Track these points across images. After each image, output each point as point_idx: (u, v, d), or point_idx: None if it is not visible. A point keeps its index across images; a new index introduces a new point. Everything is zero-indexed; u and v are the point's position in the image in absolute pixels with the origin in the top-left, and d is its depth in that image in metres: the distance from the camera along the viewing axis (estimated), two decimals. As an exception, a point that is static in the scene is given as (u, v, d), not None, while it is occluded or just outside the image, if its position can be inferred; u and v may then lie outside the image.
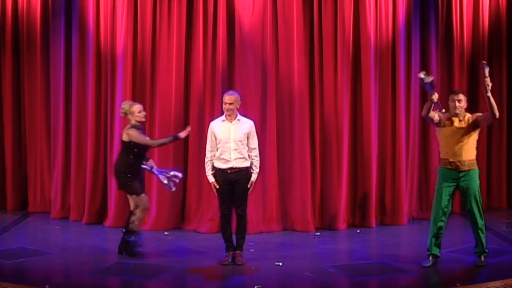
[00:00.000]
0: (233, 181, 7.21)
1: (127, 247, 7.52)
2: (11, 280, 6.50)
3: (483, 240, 7.08)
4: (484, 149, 10.05)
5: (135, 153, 7.49)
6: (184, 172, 9.07)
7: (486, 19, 9.87)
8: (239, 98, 7.34)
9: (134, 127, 7.53)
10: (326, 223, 9.09)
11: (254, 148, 7.32)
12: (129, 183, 7.48)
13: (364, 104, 9.14)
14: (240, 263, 7.23)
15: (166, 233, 8.76)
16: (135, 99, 9.07)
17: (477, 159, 9.85)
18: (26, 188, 9.91)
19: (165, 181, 7.65)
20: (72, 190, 9.39)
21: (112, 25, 9.16)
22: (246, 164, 7.26)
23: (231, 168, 7.19)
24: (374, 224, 9.12)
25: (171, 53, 9.01)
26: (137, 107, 7.61)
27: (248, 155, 7.26)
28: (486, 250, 7.10)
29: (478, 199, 7.03)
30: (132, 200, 7.59)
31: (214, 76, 9.02)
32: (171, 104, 8.98)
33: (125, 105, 7.68)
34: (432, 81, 6.74)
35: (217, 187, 7.25)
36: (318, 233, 8.83)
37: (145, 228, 8.92)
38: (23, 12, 9.68)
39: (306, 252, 7.91)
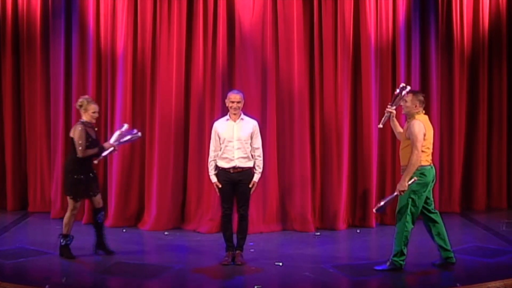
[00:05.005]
0: (235, 181, 7.20)
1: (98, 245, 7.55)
2: (11, 280, 6.49)
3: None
4: (484, 149, 10.06)
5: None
6: (184, 172, 9.12)
7: (486, 19, 9.88)
8: (243, 97, 7.35)
9: (83, 123, 7.30)
10: (326, 223, 9.08)
11: (258, 148, 7.31)
12: (72, 183, 7.29)
13: (364, 104, 9.13)
14: (240, 263, 7.22)
15: (166, 233, 8.75)
16: (135, 99, 9.12)
17: (477, 159, 10.03)
18: (26, 188, 9.91)
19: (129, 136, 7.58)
20: (72, 190, 9.38)
21: (112, 26, 9.15)
22: (250, 164, 7.25)
23: (234, 168, 7.19)
24: (374, 224, 9.12)
25: (171, 53, 9.01)
26: (93, 107, 7.37)
27: (251, 155, 7.27)
28: (392, 257, 6.95)
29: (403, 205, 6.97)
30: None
31: (214, 76, 9.02)
32: (171, 104, 8.98)
33: (83, 99, 7.42)
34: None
35: (220, 186, 7.25)
36: (318, 233, 8.83)
37: (145, 228, 8.97)
38: (23, 12, 9.67)
39: (306, 252, 7.91)
